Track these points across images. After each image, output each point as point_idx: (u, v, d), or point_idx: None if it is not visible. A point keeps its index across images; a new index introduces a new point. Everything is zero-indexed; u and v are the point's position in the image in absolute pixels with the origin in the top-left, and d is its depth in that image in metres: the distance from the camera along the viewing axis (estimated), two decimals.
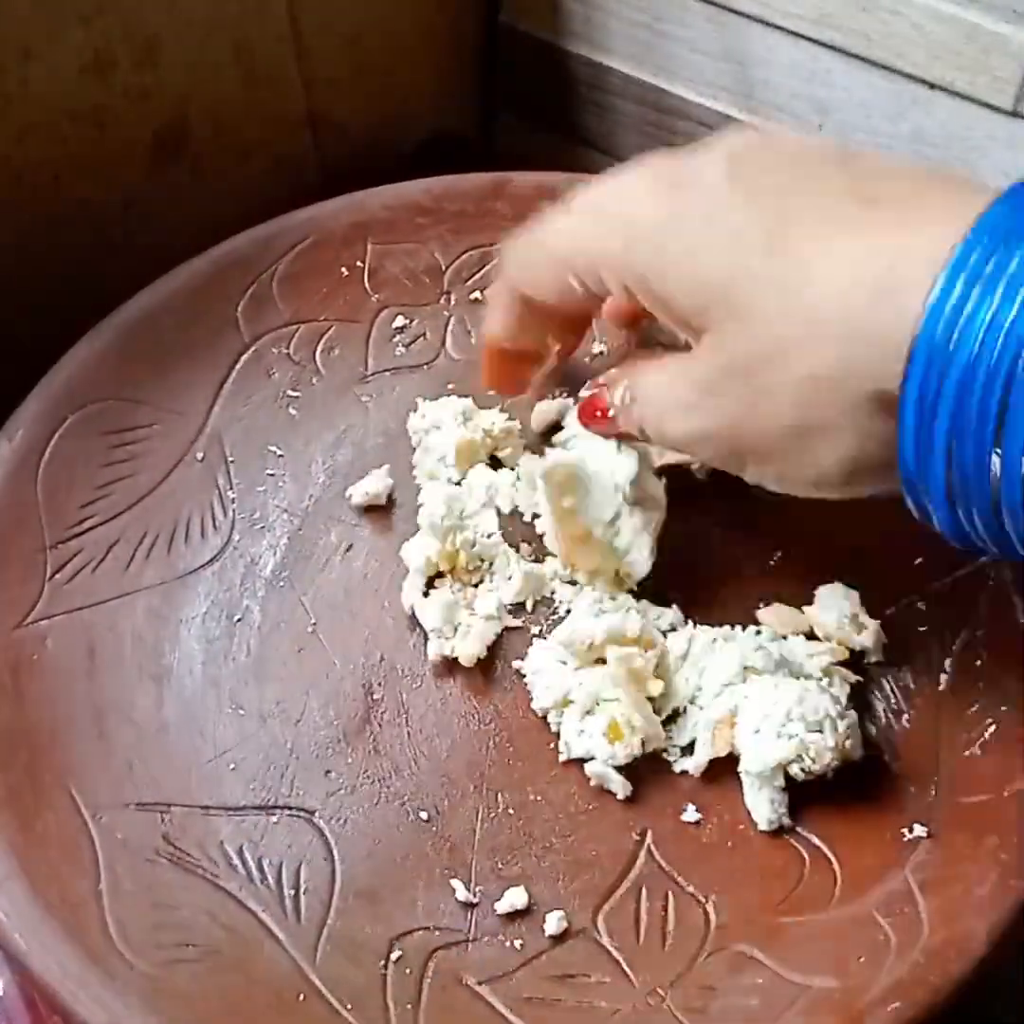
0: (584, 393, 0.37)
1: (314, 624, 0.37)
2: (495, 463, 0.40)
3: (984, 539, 0.27)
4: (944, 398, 0.26)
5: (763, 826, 0.32)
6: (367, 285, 0.45)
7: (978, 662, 0.36)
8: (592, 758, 0.34)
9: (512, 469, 0.40)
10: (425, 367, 0.43)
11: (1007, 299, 0.25)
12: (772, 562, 0.38)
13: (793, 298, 0.28)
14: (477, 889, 0.32)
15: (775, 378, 0.28)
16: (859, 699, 0.35)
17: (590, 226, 0.33)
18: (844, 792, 0.33)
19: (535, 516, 0.39)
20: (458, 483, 0.39)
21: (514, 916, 0.31)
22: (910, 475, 0.27)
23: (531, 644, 0.36)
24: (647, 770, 0.34)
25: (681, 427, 0.32)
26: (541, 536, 0.38)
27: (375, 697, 0.35)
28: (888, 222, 0.28)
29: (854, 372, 0.27)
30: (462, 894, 0.31)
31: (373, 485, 0.39)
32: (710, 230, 0.29)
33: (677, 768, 0.34)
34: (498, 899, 0.31)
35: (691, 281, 0.30)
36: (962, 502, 0.27)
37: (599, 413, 0.35)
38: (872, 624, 0.36)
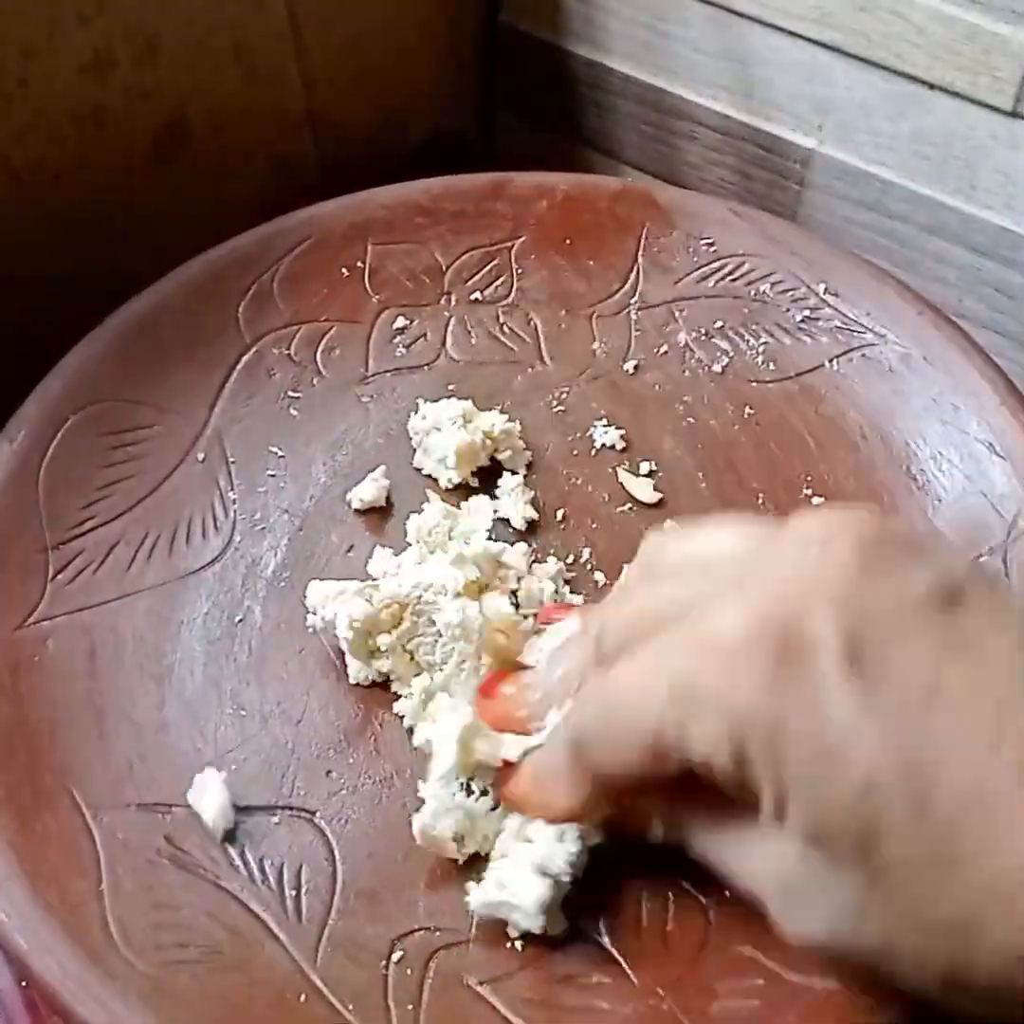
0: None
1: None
2: (495, 468, 0.40)
3: None
4: None
5: None
6: (367, 285, 0.45)
7: None
8: None
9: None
10: (425, 368, 0.43)
11: None
12: None
13: (983, 856, 0.23)
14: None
15: (964, 942, 0.24)
16: None
17: (680, 711, 0.26)
18: None
19: None
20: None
21: None
22: None
23: None
24: None
25: (808, 929, 0.26)
26: None
27: (376, 697, 0.35)
28: None
29: None
30: (463, 893, 0.31)
31: (368, 492, 0.39)
32: (844, 768, 0.24)
33: None
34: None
35: (824, 817, 0.25)
36: None
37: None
38: None
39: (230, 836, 0.32)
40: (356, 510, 0.39)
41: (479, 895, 0.30)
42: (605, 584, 0.38)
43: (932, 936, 0.24)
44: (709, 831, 0.28)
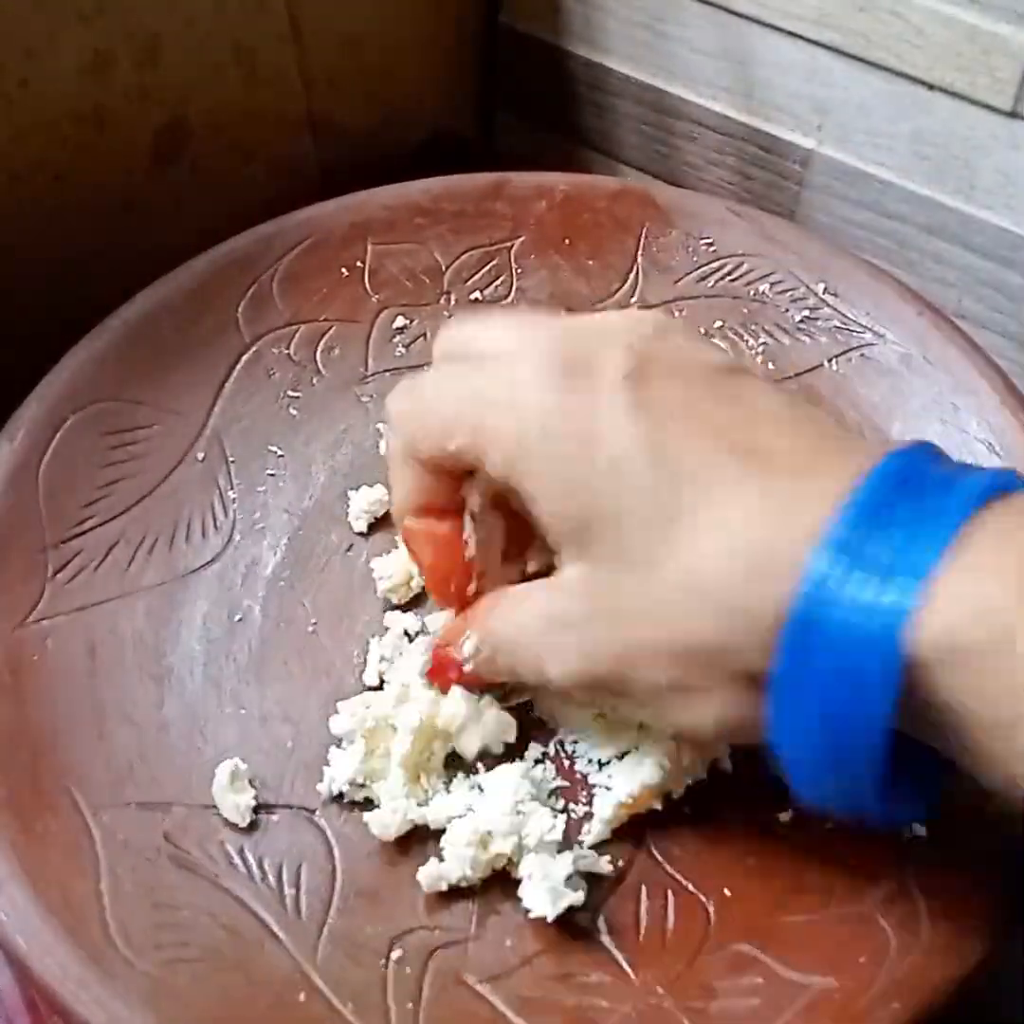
0: (423, 656, 0.34)
1: (315, 624, 0.37)
2: None
3: (836, 806, 0.28)
4: (812, 684, 0.26)
5: None
6: (367, 285, 0.45)
7: None
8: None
9: None
10: (425, 367, 0.43)
11: (874, 584, 0.25)
12: None
13: (674, 559, 0.27)
14: (478, 888, 0.32)
15: (650, 636, 0.28)
16: None
17: (476, 397, 0.30)
18: None
19: None
20: None
21: (515, 915, 0.31)
22: (779, 750, 0.27)
23: None
24: None
25: (562, 669, 0.30)
26: None
27: None
28: (773, 490, 0.27)
29: (729, 647, 0.27)
30: (463, 893, 0.31)
31: (364, 502, 0.39)
32: (599, 449, 0.28)
33: None
34: (499, 898, 0.31)
35: (570, 500, 0.29)
36: (827, 773, 0.27)
37: (453, 674, 0.33)
38: None
39: (230, 835, 0.32)
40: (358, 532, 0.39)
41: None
42: None
43: (673, 602, 0.28)
44: (507, 629, 0.31)
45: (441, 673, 0.33)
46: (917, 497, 0.26)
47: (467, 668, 0.32)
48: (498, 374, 0.30)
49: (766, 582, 0.26)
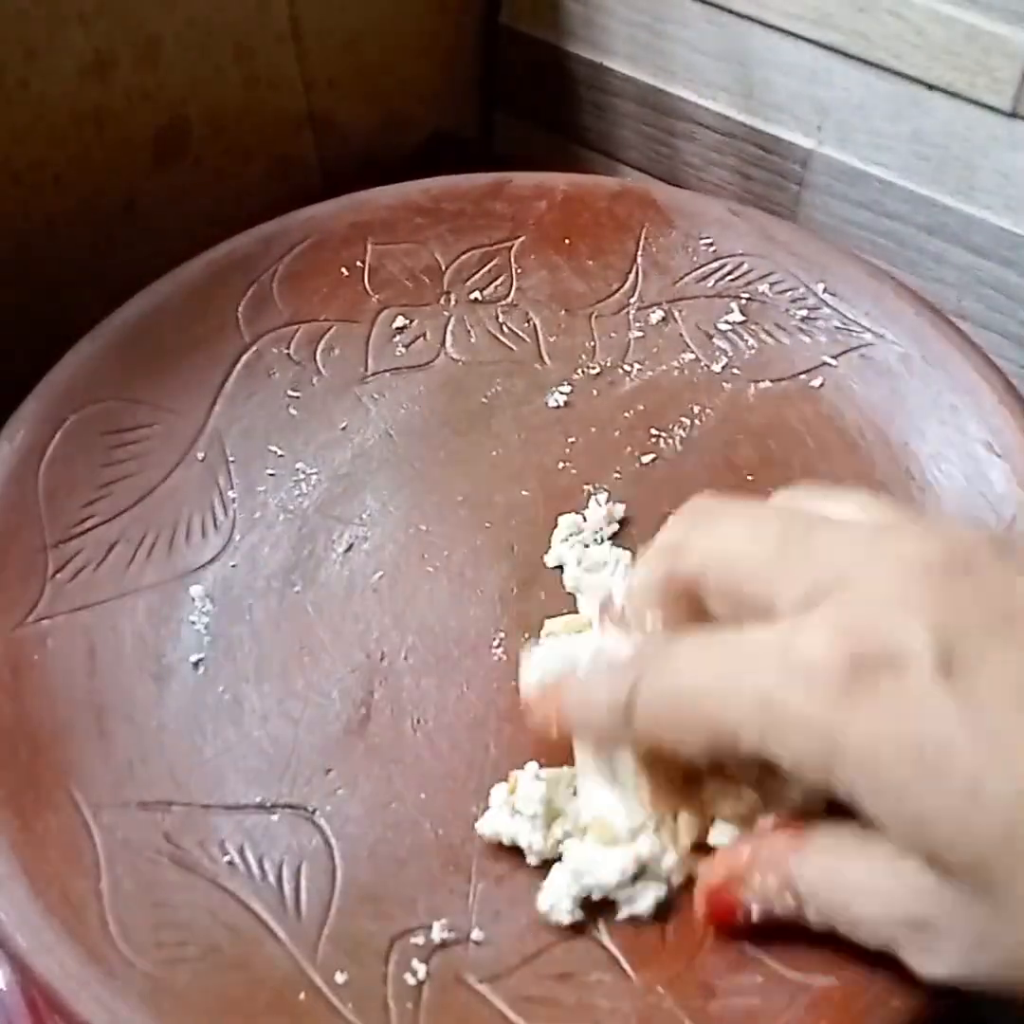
0: (703, 884, 0.29)
1: (315, 623, 0.37)
2: None
3: None
4: None
5: None
6: (367, 285, 0.45)
7: None
8: None
9: None
10: (425, 367, 0.44)
11: None
12: None
13: None
14: (478, 887, 0.32)
15: None
16: None
17: (764, 722, 0.25)
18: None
19: None
20: None
21: (516, 915, 0.31)
22: None
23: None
24: None
25: (938, 970, 0.25)
26: None
27: (376, 696, 0.35)
28: None
29: None
30: (463, 892, 0.31)
31: None
32: (941, 773, 0.23)
33: None
34: (499, 897, 0.31)
35: (922, 828, 0.24)
36: None
37: (740, 915, 0.28)
38: None
39: (230, 834, 0.32)
40: (356, 510, 0.39)
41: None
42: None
43: None
44: (821, 876, 0.26)
45: (724, 916, 0.29)
46: None
47: (755, 910, 0.28)
48: (774, 664, 0.25)
49: None
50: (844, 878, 0.26)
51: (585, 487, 0.40)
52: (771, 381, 0.43)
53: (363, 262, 0.46)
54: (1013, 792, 0.23)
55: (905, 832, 0.24)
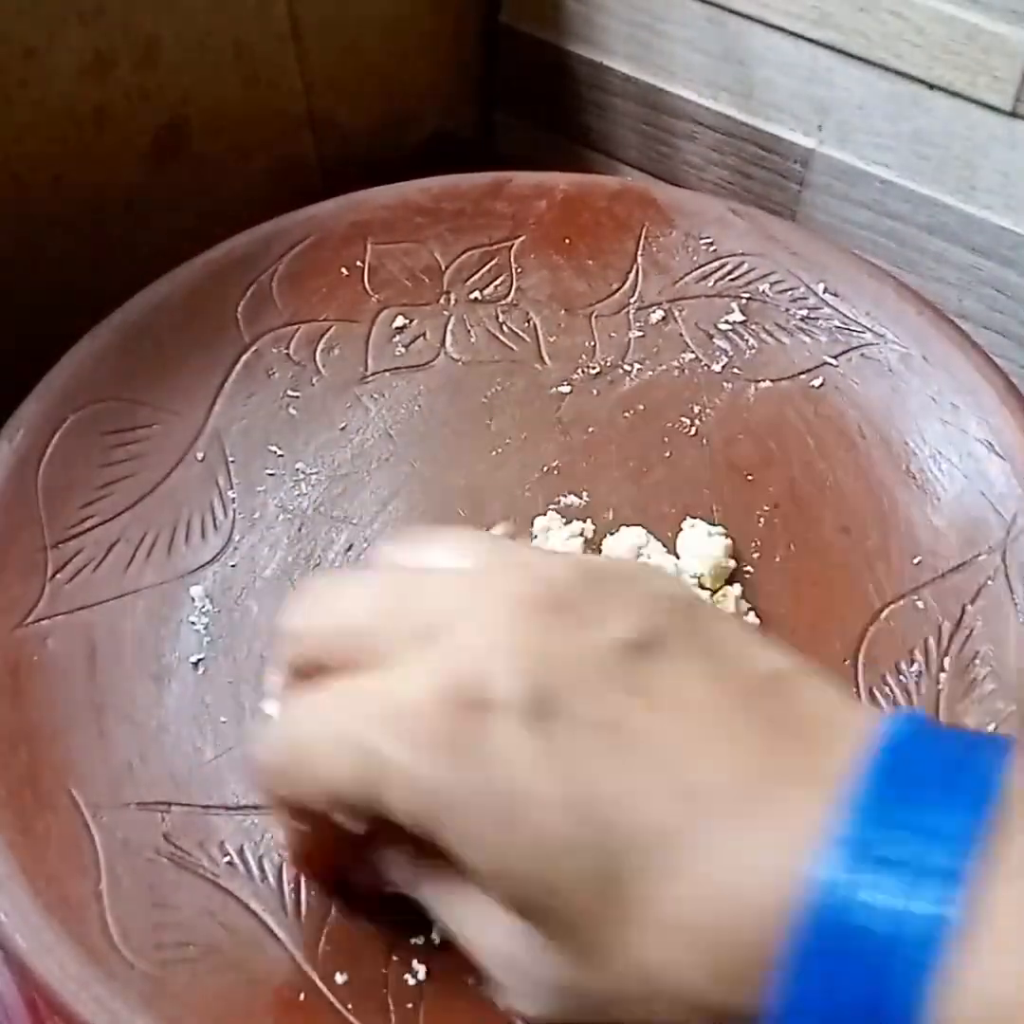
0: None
1: None
2: None
3: None
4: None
5: None
6: (367, 285, 0.45)
7: (976, 661, 0.36)
8: None
9: None
10: (425, 367, 0.43)
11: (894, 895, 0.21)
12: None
13: (626, 954, 0.23)
14: None
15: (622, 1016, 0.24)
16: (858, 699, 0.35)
17: (369, 777, 0.25)
18: None
19: None
20: None
21: None
22: None
23: None
24: None
25: (532, 1009, 0.25)
26: None
27: None
28: (726, 841, 0.22)
29: (713, 1000, 0.22)
30: None
31: None
32: (513, 813, 0.23)
33: None
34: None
35: (500, 869, 0.24)
36: None
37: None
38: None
39: (230, 835, 0.32)
40: (356, 510, 0.39)
41: None
42: None
43: (636, 996, 0.23)
44: (439, 890, 0.26)
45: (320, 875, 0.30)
46: (921, 790, 0.22)
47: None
48: (377, 713, 0.25)
49: (738, 961, 0.22)
50: (454, 900, 0.26)
51: (585, 487, 0.40)
52: (771, 381, 0.43)
53: (363, 262, 0.46)
54: (591, 843, 0.23)
55: (490, 883, 0.24)
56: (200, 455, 0.40)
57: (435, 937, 0.31)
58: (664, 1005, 0.23)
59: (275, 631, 0.29)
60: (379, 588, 0.28)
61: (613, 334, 0.44)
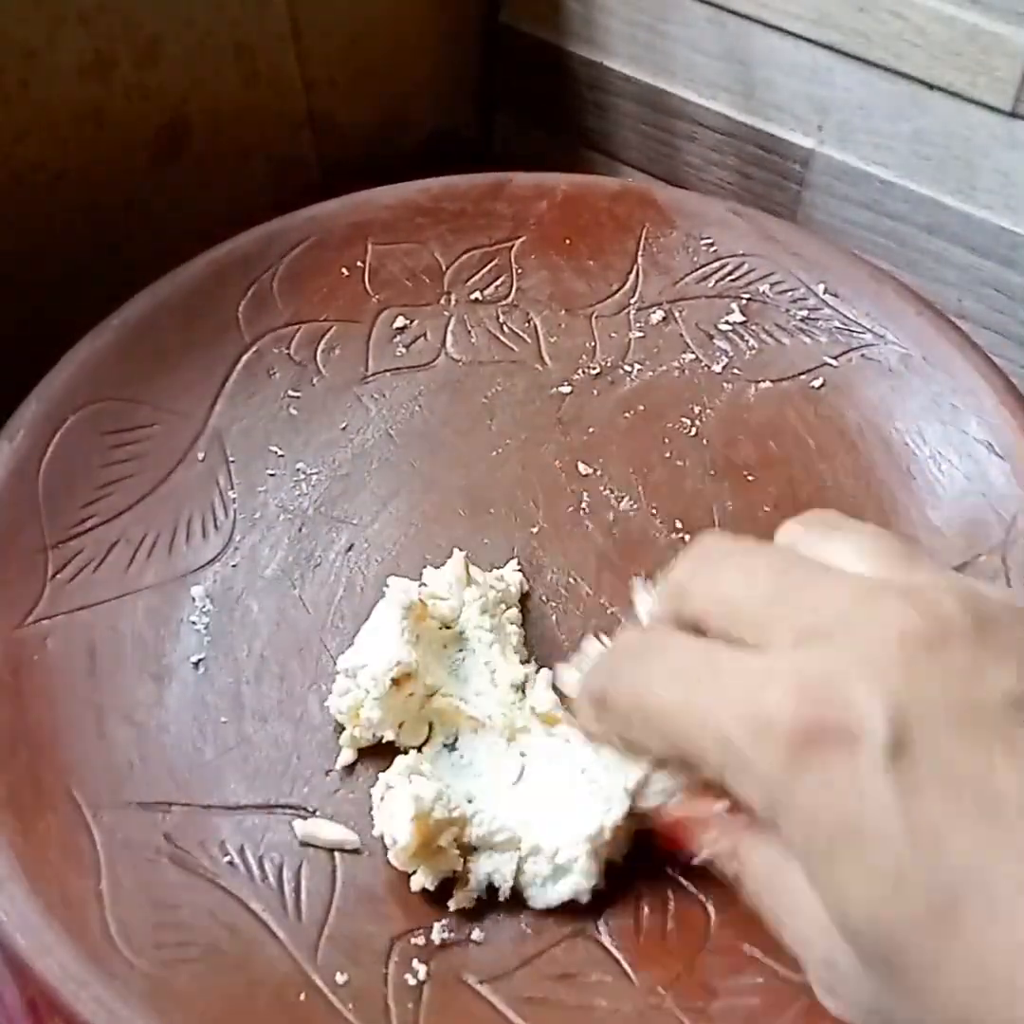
0: (665, 812, 0.30)
1: (315, 623, 0.37)
2: None
3: None
4: None
5: None
6: (367, 285, 0.45)
7: None
8: None
9: None
10: (425, 367, 0.43)
11: None
12: None
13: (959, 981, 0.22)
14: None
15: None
16: None
17: (721, 761, 0.25)
18: None
19: None
20: None
21: (515, 915, 0.31)
22: None
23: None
24: None
25: (838, 1007, 0.26)
26: None
27: None
28: None
29: None
30: (463, 892, 0.31)
31: None
32: (867, 850, 0.23)
33: None
34: (499, 897, 0.31)
35: (845, 899, 0.24)
36: None
37: (681, 850, 0.29)
38: None
39: (230, 835, 0.32)
40: (357, 510, 0.39)
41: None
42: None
43: None
44: (763, 867, 0.27)
45: (671, 845, 0.30)
46: None
47: (700, 857, 0.29)
48: (739, 708, 0.25)
49: None
50: (780, 882, 0.26)
51: (585, 487, 0.40)
52: (771, 381, 0.43)
53: (363, 262, 0.46)
54: (938, 885, 0.22)
55: (827, 898, 0.24)
56: (200, 455, 0.40)
57: (435, 937, 0.31)
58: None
59: (669, 570, 0.29)
60: (773, 572, 0.27)
61: (613, 334, 0.44)
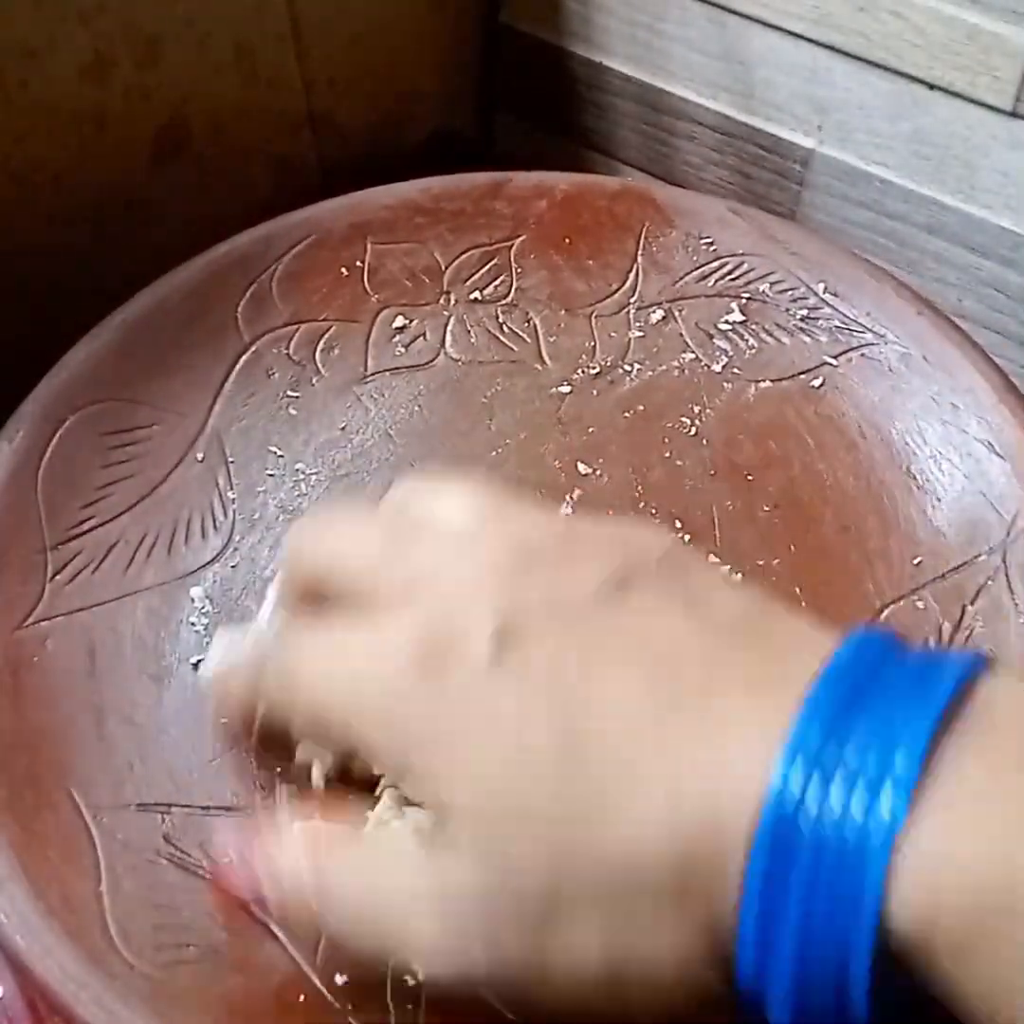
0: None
1: None
2: None
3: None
4: (784, 944, 0.23)
5: None
6: (367, 285, 0.45)
7: None
8: None
9: None
10: (425, 367, 0.43)
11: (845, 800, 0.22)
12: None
13: (602, 845, 0.24)
14: None
15: (576, 904, 0.24)
16: None
17: (347, 714, 0.27)
18: None
19: None
20: None
21: None
22: (749, 1001, 0.24)
23: None
24: None
25: (457, 970, 0.26)
26: None
27: None
28: (693, 739, 0.24)
29: (682, 900, 0.24)
30: None
31: None
32: (481, 738, 0.25)
33: None
34: None
35: (457, 774, 0.25)
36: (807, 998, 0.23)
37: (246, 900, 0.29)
38: None
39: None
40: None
41: None
42: None
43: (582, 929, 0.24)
44: (359, 877, 0.27)
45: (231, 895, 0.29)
46: (879, 699, 0.23)
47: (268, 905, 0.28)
48: (362, 654, 0.28)
49: (719, 833, 0.23)
50: (382, 878, 0.27)
51: (585, 487, 0.40)
52: (771, 381, 0.43)
53: (363, 262, 0.46)
54: (557, 751, 0.24)
55: (451, 814, 0.25)
56: (200, 455, 0.40)
57: None
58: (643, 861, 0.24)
59: (284, 546, 0.31)
60: (379, 534, 0.30)
61: (613, 334, 0.44)
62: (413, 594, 0.28)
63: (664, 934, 0.24)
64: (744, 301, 0.45)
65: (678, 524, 0.39)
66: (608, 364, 0.44)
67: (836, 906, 0.22)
